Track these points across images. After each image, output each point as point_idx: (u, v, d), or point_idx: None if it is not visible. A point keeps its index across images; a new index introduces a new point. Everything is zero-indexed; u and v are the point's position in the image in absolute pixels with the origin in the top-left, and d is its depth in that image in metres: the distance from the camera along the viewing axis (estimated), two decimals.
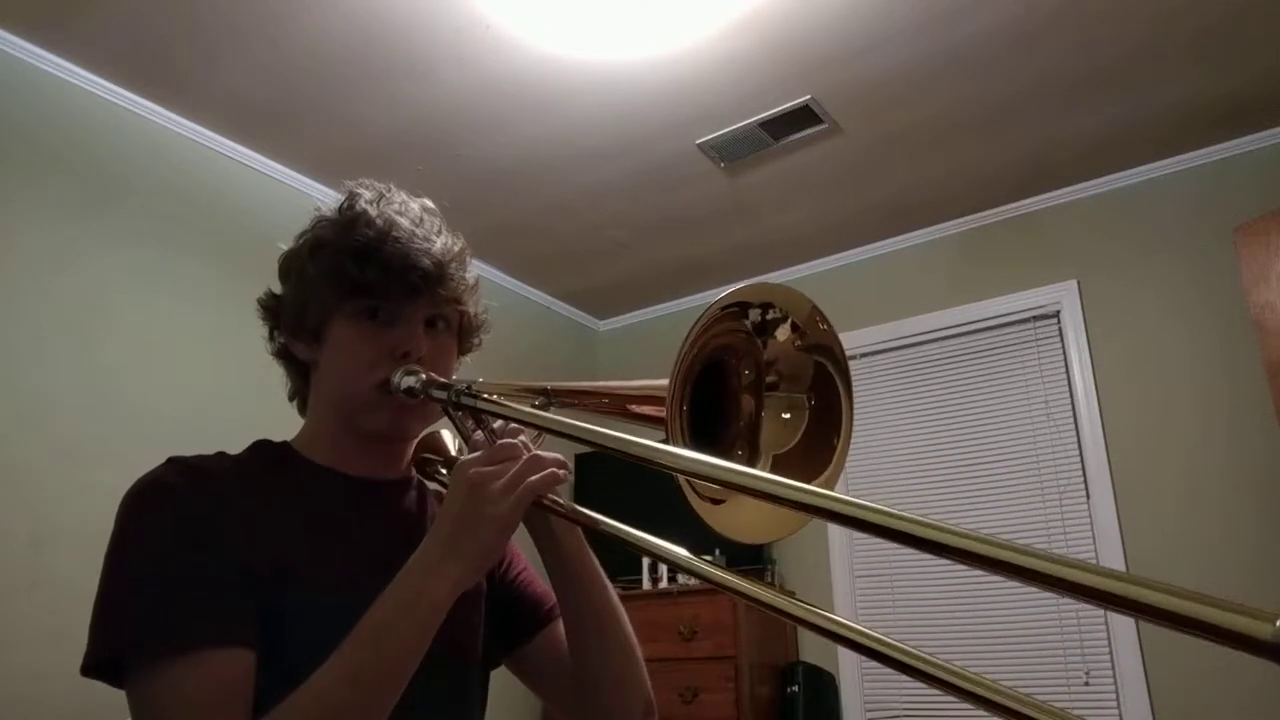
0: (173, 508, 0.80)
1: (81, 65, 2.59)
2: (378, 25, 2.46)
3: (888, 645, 0.56)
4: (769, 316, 0.77)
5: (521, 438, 0.86)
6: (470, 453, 0.90)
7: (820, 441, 0.78)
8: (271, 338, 0.99)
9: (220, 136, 2.94)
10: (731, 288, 0.73)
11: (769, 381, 0.79)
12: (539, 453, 0.82)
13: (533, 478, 0.79)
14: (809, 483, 0.74)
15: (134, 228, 2.66)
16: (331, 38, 2.51)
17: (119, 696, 0.76)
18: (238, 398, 2.66)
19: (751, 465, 0.77)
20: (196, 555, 0.78)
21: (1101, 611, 3.00)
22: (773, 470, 0.76)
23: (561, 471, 0.81)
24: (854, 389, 0.78)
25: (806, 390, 0.78)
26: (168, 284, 2.72)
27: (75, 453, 2.37)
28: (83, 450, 2.38)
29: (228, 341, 2.74)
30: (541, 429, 0.84)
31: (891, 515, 0.47)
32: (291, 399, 1.02)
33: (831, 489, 0.73)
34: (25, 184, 2.43)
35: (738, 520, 0.71)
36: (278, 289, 0.99)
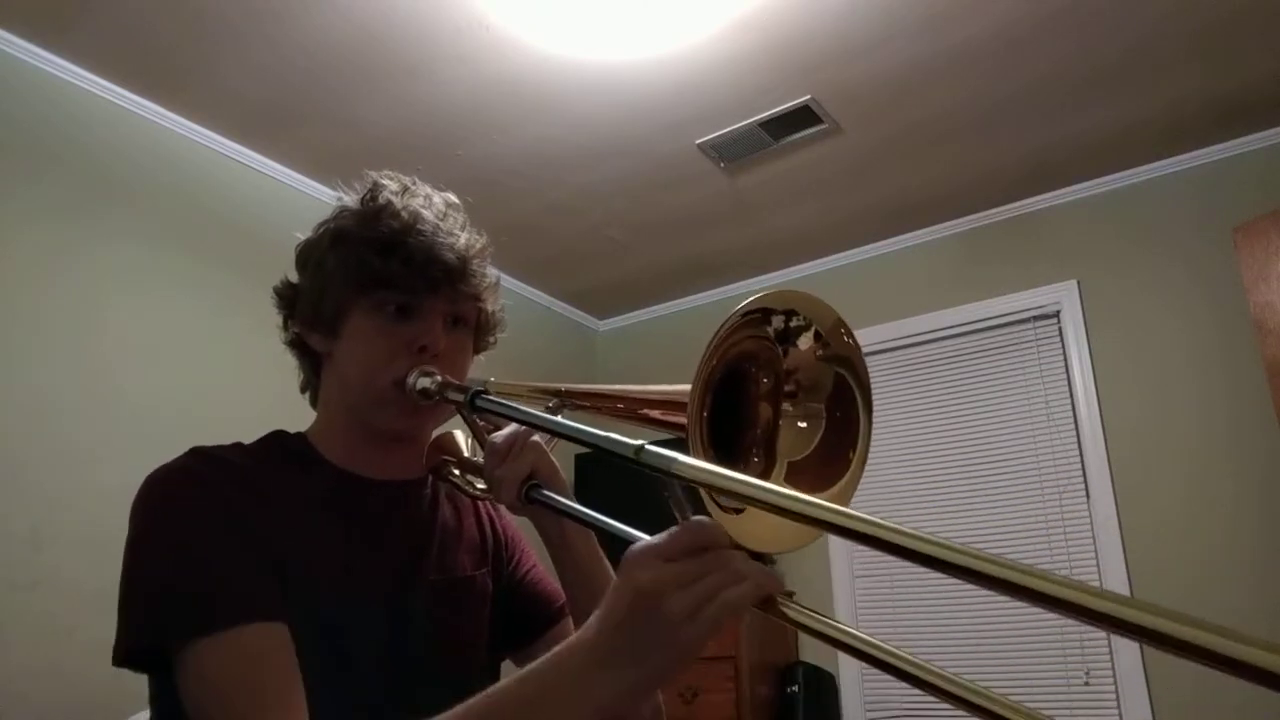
0: (200, 494, 0.80)
1: (81, 65, 2.58)
2: (378, 25, 2.46)
3: (884, 650, 0.56)
4: (792, 324, 0.74)
5: (535, 438, 0.85)
6: (482, 452, 0.88)
7: (836, 452, 0.77)
8: (285, 327, 0.98)
9: (220, 136, 2.94)
10: (755, 294, 0.70)
11: (787, 390, 0.77)
12: (731, 551, 0.61)
13: (731, 593, 0.58)
14: (822, 491, 0.74)
15: (133, 227, 2.66)
16: (331, 38, 2.50)
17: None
18: (238, 397, 2.66)
19: (767, 471, 0.76)
20: (229, 537, 0.77)
21: None
22: (787, 477, 0.76)
23: (770, 585, 0.60)
24: (873, 406, 0.76)
25: (825, 401, 0.76)
26: (167, 283, 2.71)
27: (75, 453, 2.37)
28: (83, 450, 2.38)
29: (228, 341, 2.75)
30: (555, 434, 0.81)
31: (897, 531, 0.48)
32: (303, 390, 1.01)
33: (847, 500, 0.73)
34: (25, 183, 2.43)
35: (756, 530, 0.68)
36: (279, 287, 0.98)
